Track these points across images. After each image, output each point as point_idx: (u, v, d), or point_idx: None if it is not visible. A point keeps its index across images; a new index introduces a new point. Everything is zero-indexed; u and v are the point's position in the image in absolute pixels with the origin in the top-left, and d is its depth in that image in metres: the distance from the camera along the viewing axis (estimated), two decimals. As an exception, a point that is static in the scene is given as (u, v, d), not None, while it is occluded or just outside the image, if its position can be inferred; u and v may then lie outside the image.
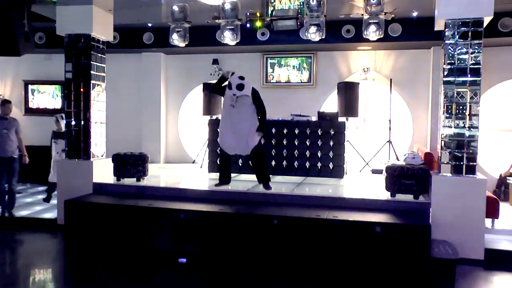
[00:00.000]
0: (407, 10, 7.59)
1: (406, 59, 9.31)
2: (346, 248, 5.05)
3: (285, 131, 7.88)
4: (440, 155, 5.66)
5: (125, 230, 5.80)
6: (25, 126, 9.29)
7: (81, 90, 6.93)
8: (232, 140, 6.51)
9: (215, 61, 9.98)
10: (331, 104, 9.53)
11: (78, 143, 6.94)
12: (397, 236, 4.94)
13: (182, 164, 10.07)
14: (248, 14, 7.58)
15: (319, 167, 7.77)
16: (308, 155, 7.80)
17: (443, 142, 5.62)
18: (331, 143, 7.70)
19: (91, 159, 6.92)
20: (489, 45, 7.22)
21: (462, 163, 5.53)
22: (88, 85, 6.92)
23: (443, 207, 5.47)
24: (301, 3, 7.76)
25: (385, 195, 6.03)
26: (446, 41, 5.56)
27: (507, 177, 8.16)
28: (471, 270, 5.24)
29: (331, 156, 7.70)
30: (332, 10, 7.39)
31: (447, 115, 5.58)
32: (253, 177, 6.79)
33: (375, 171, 8.38)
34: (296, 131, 7.84)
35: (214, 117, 8.87)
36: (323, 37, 7.12)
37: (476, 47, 5.48)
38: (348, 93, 8.59)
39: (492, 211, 5.92)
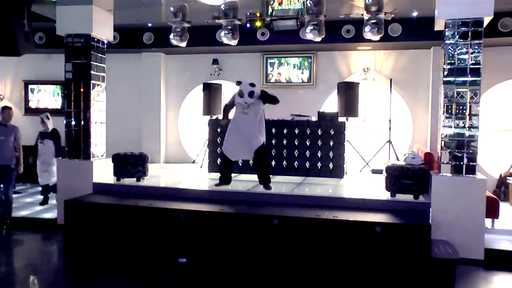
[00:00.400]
0: (407, 10, 7.60)
1: (406, 59, 9.31)
2: (346, 248, 5.06)
3: (285, 131, 7.88)
4: (440, 155, 5.66)
5: (125, 230, 5.81)
6: (25, 126, 9.29)
7: (81, 90, 6.93)
8: (237, 144, 6.51)
9: (215, 61, 9.99)
10: (331, 104, 9.53)
11: (78, 143, 6.94)
12: (397, 236, 4.94)
13: (182, 164, 10.07)
14: (248, 14, 7.58)
15: (319, 167, 7.77)
16: (308, 155, 7.80)
17: (443, 142, 5.61)
18: (331, 143, 7.70)
19: (91, 159, 6.92)
20: (489, 45, 7.22)
21: (462, 163, 5.53)
22: (88, 85, 6.91)
23: (443, 207, 5.47)
24: (302, 3, 7.75)
25: (385, 195, 6.03)
26: (446, 41, 5.56)
27: (507, 177, 8.16)
28: (471, 270, 5.24)
29: (331, 156, 7.71)
30: (332, 10, 7.39)
31: (447, 115, 5.58)
32: (253, 177, 6.79)
33: (375, 171, 8.38)
34: (296, 131, 7.84)
35: (214, 117, 8.88)
36: (323, 36, 7.13)
37: (476, 47, 5.48)
38: (348, 93, 8.59)
39: (492, 211, 5.92)
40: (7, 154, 6.74)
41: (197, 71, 10.25)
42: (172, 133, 10.66)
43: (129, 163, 6.99)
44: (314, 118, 8.02)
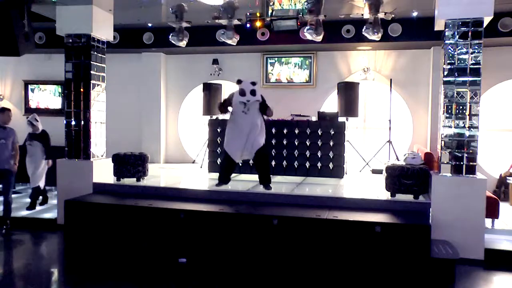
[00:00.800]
0: (407, 10, 7.60)
1: (406, 59, 9.31)
2: (346, 248, 5.05)
3: (285, 131, 7.88)
4: (440, 155, 5.66)
5: (125, 230, 5.81)
6: (26, 126, 9.28)
7: (81, 90, 6.93)
8: (240, 145, 6.47)
9: (215, 61, 9.99)
10: (331, 104, 9.53)
11: (78, 143, 6.95)
12: (397, 236, 4.94)
13: (182, 164, 10.07)
14: (248, 14, 7.58)
15: (319, 167, 7.77)
16: (308, 155, 7.80)
17: (443, 142, 5.62)
18: (331, 143, 7.70)
19: (91, 159, 6.92)
20: (489, 45, 7.22)
21: (462, 163, 5.53)
22: (88, 85, 6.92)
23: (443, 207, 5.48)
24: (303, 4, 7.76)
25: (385, 195, 6.03)
26: (446, 41, 5.56)
27: (507, 177, 8.16)
28: (471, 270, 5.24)
29: (331, 156, 7.71)
30: (332, 10, 7.40)
31: (447, 115, 5.58)
32: (253, 177, 6.79)
33: (375, 171, 8.39)
34: (296, 131, 7.84)
35: (214, 117, 8.87)
36: (321, 35, 7.13)
37: (476, 47, 5.48)
38: (348, 93, 8.59)
39: (492, 211, 5.92)
40: (7, 157, 6.65)
41: (197, 71, 10.25)
42: (172, 133, 10.67)
43: (129, 163, 6.99)
44: (314, 118, 8.02)
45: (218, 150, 8.08)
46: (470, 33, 5.48)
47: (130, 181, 7.00)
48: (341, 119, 8.11)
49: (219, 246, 5.44)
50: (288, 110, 8.51)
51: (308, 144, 7.79)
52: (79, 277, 5.18)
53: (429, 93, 9.05)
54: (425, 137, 9.16)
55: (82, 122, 6.94)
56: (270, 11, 7.79)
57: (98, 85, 7.11)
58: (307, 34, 7.09)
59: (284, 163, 7.90)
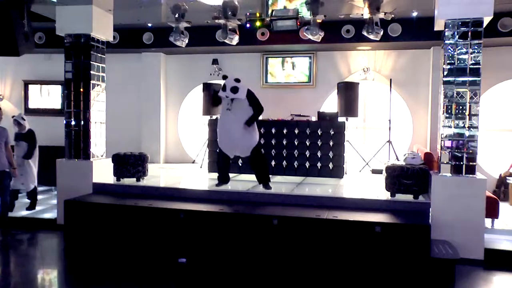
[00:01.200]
0: (407, 10, 7.60)
1: (406, 59, 9.31)
2: (346, 248, 5.05)
3: (285, 131, 7.88)
4: (440, 155, 5.66)
5: (125, 230, 5.81)
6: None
7: (81, 90, 6.93)
8: (230, 143, 6.49)
9: (215, 61, 9.99)
10: (331, 104, 9.53)
11: (78, 143, 6.94)
12: (397, 236, 4.94)
13: (182, 164, 10.07)
14: (248, 14, 7.58)
15: (319, 167, 7.77)
16: (308, 155, 7.80)
17: (443, 142, 5.62)
18: (331, 143, 7.70)
19: (91, 159, 6.92)
20: (489, 45, 7.22)
21: (462, 163, 5.53)
22: (88, 85, 6.92)
23: (443, 207, 5.48)
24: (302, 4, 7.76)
25: (385, 195, 6.03)
26: (446, 41, 5.56)
27: (507, 177, 8.16)
28: (471, 270, 5.24)
29: (331, 156, 7.71)
30: (332, 10, 7.40)
31: (447, 115, 5.58)
32: (253, 177, 6.78)
33: (375, 171, 8.38)
34: (296, 131, 7.84)
35: (214, 117, 8.88)
36: (321, 35, 7.14)
37: (476, 47, 5.48)
38: (348, 93, 8.59)
39: (492, 211, 5.92)
40: (1, 160, 6.31)
41: (197, 71, 10.25)
42: (172, 133, 10.66)
43: (129, 163, 6.99)
44: (314, 118, 8.02)
45: (217, 150, 8.06)
46: (470, 33, 5.48)
47: (130, 181, 7.00)
48: (341, 119, 8.11)
49: (219, 246, 5.44)
50: (288, 110, 8.52)
51: (308, 144, 7.79)
52: (79, 277, 5.18)
53: (429, 93, 9.05)
54: (425, 137, 9.16)
55: (82, 122, 6.94)
56: (270, 11, 7.80)
57: (98, 85, 7.11)
58: (306, 34, 7.08)
59: (284, 163, 7.90)
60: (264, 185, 6.50)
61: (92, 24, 6.77)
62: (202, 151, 9.38)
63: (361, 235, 5.02)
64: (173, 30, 7.76)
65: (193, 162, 9.96)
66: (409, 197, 5.81)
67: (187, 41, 7.90)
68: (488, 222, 5.97)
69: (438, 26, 5.85)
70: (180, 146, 10.64)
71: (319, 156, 7.75)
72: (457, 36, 5.52)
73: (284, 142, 7.89)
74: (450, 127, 5.57)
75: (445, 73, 5.59)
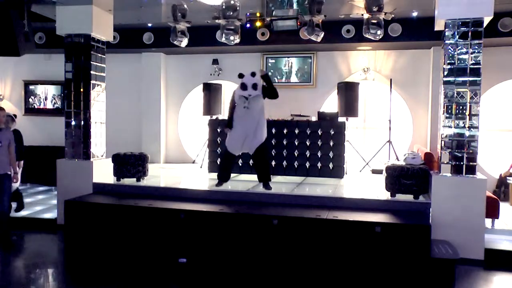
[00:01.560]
0: (407, 10, 7.59)
1: (406, 59, 9.31)
2: (346, 248, 5.06)
3: (285, 131, 7.88)
4: (440, 155, 5.66)
5: (125, 230, 5.81)
6: (25, 126, 9.30)
7: (81, 90, 6.93)
8: (240, 140, 6.48)
9: (215, 61, 9.99)
10: (331, 104, 9.52)
11: (78, 143, 6.94)
12: (397, 236, 4.94)
13: (182, 164, 10.07)
14: (248, 14, 7.57)
15: (319, 167, 7.77)
16: (308, 155, 7.80)
17: (443, 142, 5.62)
18: (331, 143, 7.70)
19: (91, 159, 6.92)
20: (489, 45, 7.22)
21: (462, 163, 5.53)
22: (88, 85, 6.92)
23: (443, 207, 5.47)
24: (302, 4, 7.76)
25: (385, 195, 6.03)
26: (446, 41, 5.56)
27: (507, 177, 8.15)
28: (471, 270, 5.24)
29: (331, 156, 7.71)
30: (332, 10, 7.40)
31: (447, 115, 5.58)
32: (253, 177, 6.79)
33: (375, 171, 8.38)
34: (296, 131, 7.84)
35: (214, 117, 8.88)
36: (322, 35, 7.14)
37: (476, 47, 5.48)
38: (348, 93, 8.59)
39: (492, 211, 5.92)
40: (3, 162, 5.99)
41: (197, 71, 10.25)
42: (172, 133, 10.66)
43: (129, 163, 6.99)
44: (314, 118, 8.02)
45: (218, 150, 8.09)
46: (470, 33, 5.48)
47: (130, 181, 6.99)
48: (341, 119, 8.11)
49: (219, 246, 5.44)
50: (288, 110, 8.51)
51: (308, 144, 7.79)
52: (79, 277, 5.18)
53: (429, 93, 9.05)
54: (425, 137, 9.16)
55: (82, 122, 6.94)
56: (270, 11, 7.78)
57: (98, 85, 7.11)
58: (307, 34, 7.08)
59: (284, 163, 7.90)
60: (265, 184, 6.50)
61: (92, 24, 6.77)
62: (202, 151, 9.38)
63: (361, 235, 5.02)
64: (173, 30, 7.75)
65: (193, 162, 9.96)
66: (409, 197, 5.81)
67: (187, 41, 7.90)
68: (488, 222, 5.97)
69: (438, 26, 5.85)
70: (180, 146, 10.63)
71: (319, 156, 7.75)
72: (457, 36, 5.52)
73: (284, 142, 7.89)
74: (450, 127, 5.57)
75: (445, 73, 5.59)
